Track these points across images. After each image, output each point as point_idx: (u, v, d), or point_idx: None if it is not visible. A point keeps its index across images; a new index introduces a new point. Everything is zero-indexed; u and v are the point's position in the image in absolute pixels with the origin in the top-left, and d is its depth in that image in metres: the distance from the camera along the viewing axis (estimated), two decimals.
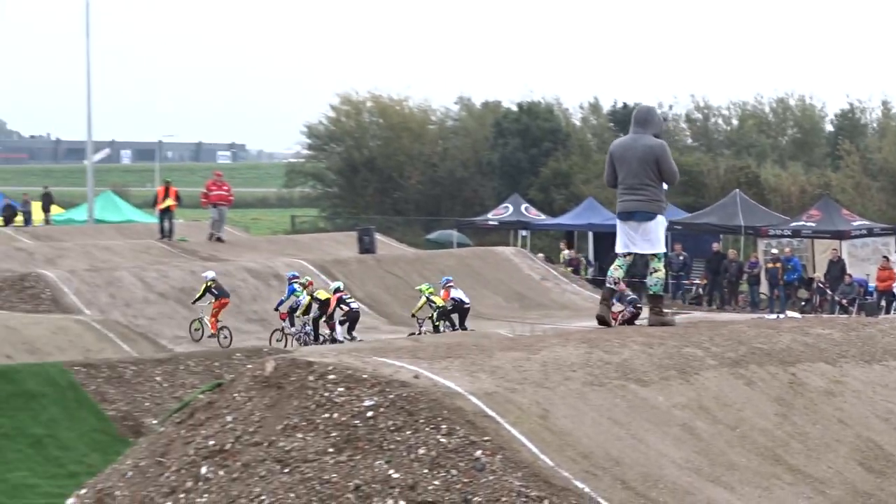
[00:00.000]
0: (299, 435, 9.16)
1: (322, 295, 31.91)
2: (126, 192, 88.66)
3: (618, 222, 12.69)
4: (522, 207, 57.02)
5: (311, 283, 32.63)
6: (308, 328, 31.81)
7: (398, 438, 8.93)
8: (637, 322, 12.70)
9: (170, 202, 43.16)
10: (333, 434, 9.07)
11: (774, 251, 44.06)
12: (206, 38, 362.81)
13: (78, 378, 20.17)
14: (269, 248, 44.82)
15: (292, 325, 32.09)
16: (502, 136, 72.24)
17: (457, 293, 32.68)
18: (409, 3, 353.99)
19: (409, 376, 9.45)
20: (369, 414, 9.11)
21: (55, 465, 18.37)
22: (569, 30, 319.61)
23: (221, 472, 9.24)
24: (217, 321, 32.11)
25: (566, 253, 48.92)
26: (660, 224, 12.56)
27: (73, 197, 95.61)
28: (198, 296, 32.69)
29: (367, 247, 43.57)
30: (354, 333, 31.23)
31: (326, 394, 9.35)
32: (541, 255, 46.12)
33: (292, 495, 8.79)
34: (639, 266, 14.87)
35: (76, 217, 62.13)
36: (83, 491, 10.20)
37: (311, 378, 9.56)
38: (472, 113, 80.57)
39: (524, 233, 55.47)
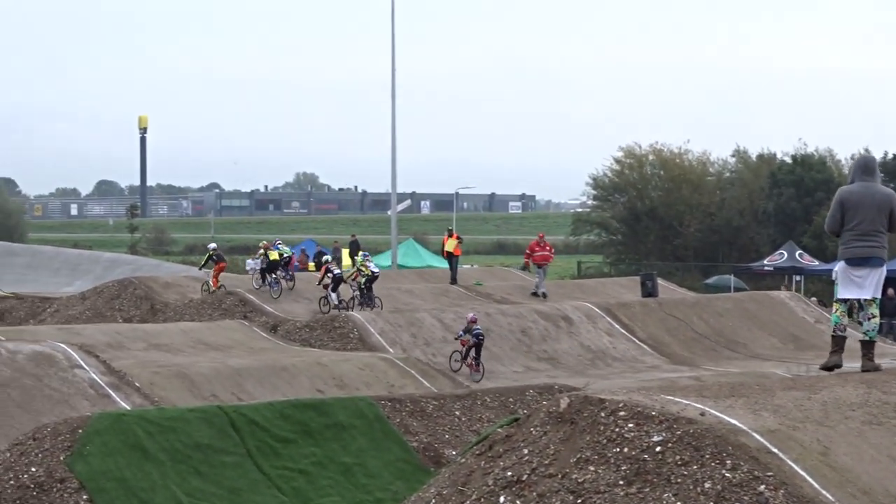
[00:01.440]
0: (591, 468, 9.16)
1: (273, 255, 40.13)
2: (425, 240, 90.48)
3: (842, 267, 12.08)
4: (796, 254, 56.05)
5: (266, 245, 41.10)
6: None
7: (685, 472, 8.85)
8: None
9: (452, 247, 43.84)
10: (623, 468, 9.04)
11: None
12: (497, 101, 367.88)
13: (384, 411, 20.56)
14: (558, 292, 44.92)
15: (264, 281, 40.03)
16: (777, 186, 71.06)
17: (372, 265, 39.13)
18: (687, 63, 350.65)
19: (696, 413, 9.36)
20: (658, 449, 9.04)
21: (363, 492, 18.76)
22: (839, 84, 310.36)
23: (518, 502, 9.32)
24: (217, 280, 40.99)
25: None
26: (884, 271, 12.10)
27: (378, 244, 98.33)
28: (203, 262, 42.67)
29: (649, 291, 43.21)
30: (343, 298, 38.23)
31: (617, 429, 9.34)
32: (814, 298, 44.82)
33: None
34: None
35: (381, 263, 63.71)
36: None
37: (602, 414, 9.56)
38: (748, 165, 79.33)
39: (798, 278, 54.45)
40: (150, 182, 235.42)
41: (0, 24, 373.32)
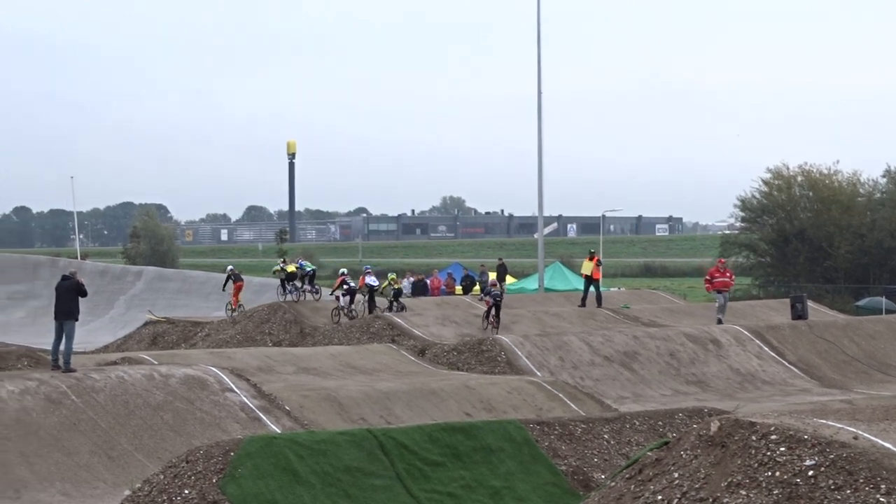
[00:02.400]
0: (742, 492, 9.05)
1: (290, 268, 45.51)
2: (572, 263, 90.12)
3: None
4: None
5: (285, 261, 46.87)
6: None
7: (838, 497, 8.69)
8: None
9: (590, 270, 43.50)
10: (776, 492, 8.92)
11: None
12: (643, 121, 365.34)
13: (532, 434, 20.54)
14: (706, 315, 44.39)
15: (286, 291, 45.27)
16: None
17: (370, 279, 43.26)
18: (836, 83, 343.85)
19: (849, 437, 9.19)
20: (810, 473, 8.90)
21: None
22: None
23: None
24: (237, 300, 46.18)
25: None
26: None
27: (525, 267, 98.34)
28: (224, 282, 47.85)
29: (799, 313, 42.38)
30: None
31: (769, 453, 9.22)
32: None
33: None
34: None
35: (528, 286, 63.75)
36: None
37: (753, 438, 9.44)
38: None
39: None
40: (299, 207, 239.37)
41: (150, 51, 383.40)
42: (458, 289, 57.71)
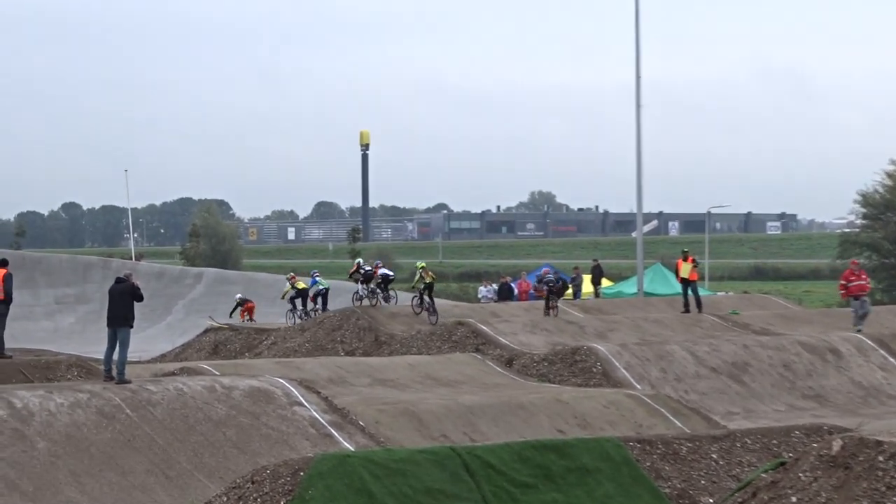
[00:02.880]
0: None
1: (300, 285, 49.89)
2: (674, 264, 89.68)
3: None
4: None
5: (293, 277, 50.97)
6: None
7: None
8: None
9: (687, 272, 43.02)
10: None
11: None
12: (752, 110, 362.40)
13: (633, 454, 20.41)
14: (823, 321, 43.88)
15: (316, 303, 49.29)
16: None
17: (383, 270, 46.73)
18: None
19: None
20: None
21: None
22: None
23: None
24: (249, 316, 53.16)
25: None
26: None
27: (621, 269, 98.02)
28: (232, 310, 54.76)
29: None
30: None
31: None
32: None
33: None
34: None
35: (625, 290, 63.45)
36: None
37: (880, 458, 9.29)
38: None
39: None
40: (373, 203, 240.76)
41: (215, 36, 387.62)
42: None
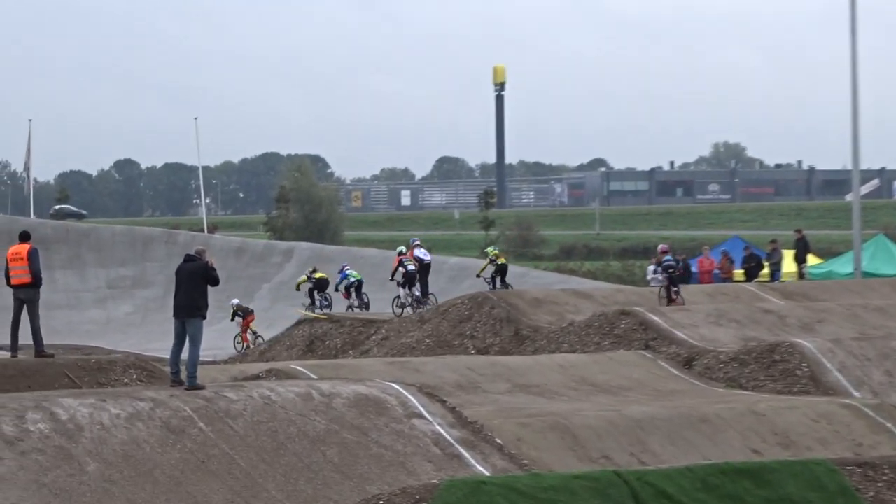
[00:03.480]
0: None
1: (318, 275, 54.82)
2: None
3: None
4: None
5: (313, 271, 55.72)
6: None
7: None
8: None
9: None
10: None
11: None
12: None
13: (851, 481, 20.26)
14: None
15: (349, 297, 52.93)
16: None
17: (421, 252, 49.15)
18: None
19: None
20: None
21: None
22: None
23: None
24: (247, 336, 55.50)
25: None
26: None
27: (833, 243, 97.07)
28: (230, 319, 56.90)
29: None
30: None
31: None
32: None
33: None
34: None
35: (838, 269, 62.74)
36: None
37: None
38: None
39: None
40: (510, 159, 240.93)
41: None
42: (738, 273, 57.12)
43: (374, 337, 44.63)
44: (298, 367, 30.44)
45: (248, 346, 54.30)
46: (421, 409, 25.02)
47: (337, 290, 53.82)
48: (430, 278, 49.79)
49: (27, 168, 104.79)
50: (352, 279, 53.09)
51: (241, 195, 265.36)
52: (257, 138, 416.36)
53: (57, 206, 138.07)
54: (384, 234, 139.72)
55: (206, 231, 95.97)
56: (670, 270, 44.34)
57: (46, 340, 29.34)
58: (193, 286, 24.83)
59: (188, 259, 25.21)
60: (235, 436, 23.06)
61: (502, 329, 41.30)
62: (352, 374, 28.85)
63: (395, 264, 48.70)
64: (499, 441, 24.53)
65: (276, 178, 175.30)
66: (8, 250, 28.57)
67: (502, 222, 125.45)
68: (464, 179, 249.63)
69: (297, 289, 56.10)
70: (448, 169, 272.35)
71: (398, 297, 48.25)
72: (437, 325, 42.90)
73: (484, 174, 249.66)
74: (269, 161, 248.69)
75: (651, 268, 55.48)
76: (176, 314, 25.13)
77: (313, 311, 51.62)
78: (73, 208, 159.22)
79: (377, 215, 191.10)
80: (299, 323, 49.85)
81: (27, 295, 28.12)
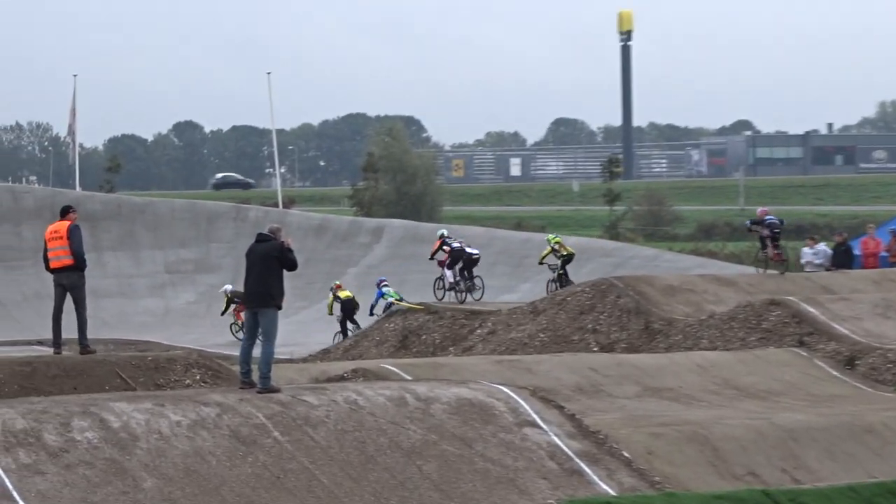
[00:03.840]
0: None
1: (343, 293, 56.72)
2: None
3: None
4: None
5: (338, 286, 57.73)
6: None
7: None
8: None
9: None
10: None
11: None
12: None
13: None
14: None
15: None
16: None
17: (466, 247, 51.66)
18: None
19: None
20: None
21: None
22: None
23: None
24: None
25: None
26: None
27: None
28: (224, 308, 63.04)
29: None
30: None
31: None
32: None
33: None
34: None
35: None
36: None
37: None
38: None
39: None
40: (638, 121, 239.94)
41: None
42: None
43: (478, 331, 44.67)
44: (390, 367, 30.54)
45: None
46: (534, 416, 25.09)
47: (372, 313, 53.83)
48: (536, 258, 50.93)
49: (72, 132, 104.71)
50: (389, 299, 52.98)
51: (322, 164, 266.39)
52: (340, 98, 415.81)
53: (220, 175, 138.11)
54: (490, 209, 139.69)
55: (280, 206, 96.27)
56: (776, 230, 46.31)
57: (94, 334, 29.51)
58: (267, 271, 24.94)
59: (260, 239, 25.33)
60: (316, 447, 23.17)
61: (630, 322, 41.26)
62: (453, 374, 28.91)
63: (438, 243, 51.17)
64: (626, 454, 24.51)
65: (362, 144, 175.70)
66: (47, 228, 28.65)
67: (629, 196, 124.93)
68: (584, 145, 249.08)
69: (330, 312, 57.23)
70: (565, 133, 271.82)
71: (439, 278, 50.99)
72: (554, 316, 42.90)
73: (607, 139, 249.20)
74: (355, 124, 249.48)
75: (807, 250, 55.15)
76: (247, 303, 25.26)
77: (403, 301, 52.02)
78: (239, 176, 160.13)
79: (482, 187, 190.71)
80: (390, 314, 49.94)
81: (70, 280, 28.08)
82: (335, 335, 54.11)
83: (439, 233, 53.03)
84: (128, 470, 21.73)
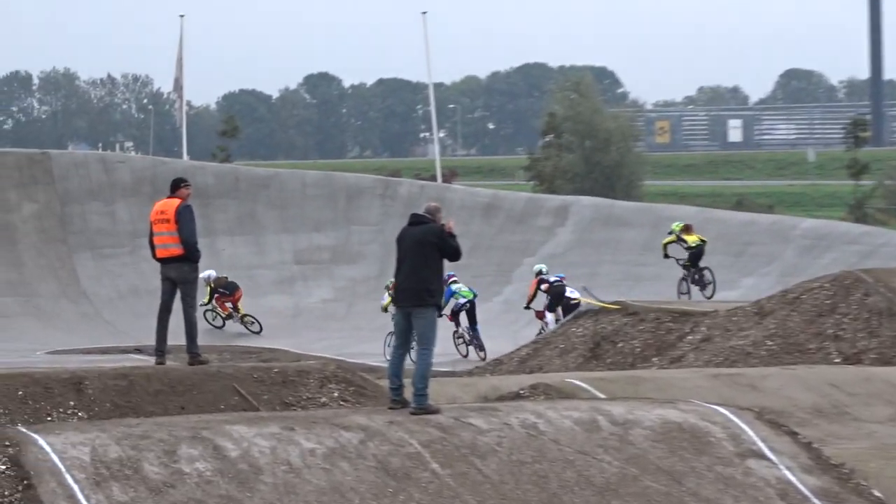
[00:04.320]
0: None
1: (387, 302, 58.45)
2: None
3: None
4: None
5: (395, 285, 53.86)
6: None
7: None
8: None
9: None
10: None
11: None
12: None
13: None
14: None
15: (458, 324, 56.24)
16: None
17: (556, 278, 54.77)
18: None
19: None
20: None
21: None
22: None
23: None
24: (226, 306, 66.38)
25: None
26: None
27: None
28: (206, 299, 64.90)
29: None
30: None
31: None
32: None
33: None
34: None
35: None
36: None
37: None
38: None
39: None
40: (891, 73, 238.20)
41: None
42: None
43: (689, 337, 44.54)
44: (577, 382, 30.61)
45: (229, 316, 61.83)
46: (760, 444, 25.05)
47: (440, 314, 52.42)
48: (762, 246, 50.00)
49: (178, 86, 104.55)
50: (461, 299, 54.05)
51: (491, 126, 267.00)
52: (513, 45, 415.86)
53: None
54: (703, 184, 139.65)
55: (439, 180, 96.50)
56: None
57: (205, 340, 29.64)
58: (423, 261, 24.94)
59: (415, 221, 25.36)
60: (485, 482, 23.22)
61: (881, 326, 41.05)
62: (657, 392, 28.90)
63: (535, 283, 52.86)
64: (877, 493, 24.39)
65: (542, 102, 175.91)
66: (153, 207, 28.62)
67: (880, 167, 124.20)
68: (822, 104, 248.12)
69: (385, 310, 57.96)
70: (798, 88, 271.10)
71: (544, 325, 52.08)
72: (784, 319, 42.76)
73: (851, 96, 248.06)
74: (532, 77, 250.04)
75: None
76: (399, 302, 25.28)
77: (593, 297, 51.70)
78: None
79: (693, 156, 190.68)
80: (579, 315, 49.86)
81: (179, 273, 28.17)
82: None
83: (536, 268, 54.48)
84: None
